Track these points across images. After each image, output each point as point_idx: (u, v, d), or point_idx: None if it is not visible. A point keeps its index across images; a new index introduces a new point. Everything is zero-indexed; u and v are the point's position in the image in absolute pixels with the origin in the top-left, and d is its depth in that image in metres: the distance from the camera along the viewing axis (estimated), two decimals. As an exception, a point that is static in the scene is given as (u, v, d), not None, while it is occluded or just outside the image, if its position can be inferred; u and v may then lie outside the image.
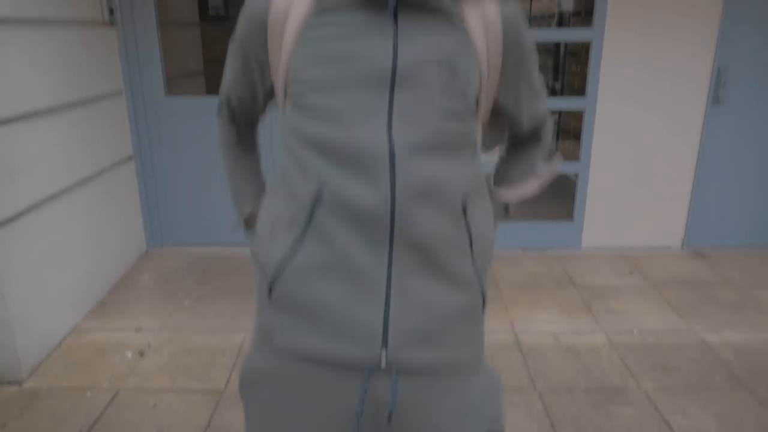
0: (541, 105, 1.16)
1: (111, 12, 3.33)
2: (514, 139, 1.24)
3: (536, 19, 5.20)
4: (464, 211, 0.98)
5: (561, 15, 4.70)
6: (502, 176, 1.23)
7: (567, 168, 3.81)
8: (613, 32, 3.52)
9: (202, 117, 3.67)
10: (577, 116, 4.03)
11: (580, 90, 4.05)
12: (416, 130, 0.91)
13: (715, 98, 3.63)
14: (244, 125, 1.20)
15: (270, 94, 1.09)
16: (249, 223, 1.20)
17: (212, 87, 4.37)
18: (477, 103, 0.98)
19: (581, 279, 3.48)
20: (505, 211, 1.20)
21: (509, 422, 2.23)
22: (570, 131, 4.46)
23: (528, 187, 1.19)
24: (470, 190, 1.00)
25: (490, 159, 1.28)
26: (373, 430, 1.02)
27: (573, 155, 3.87)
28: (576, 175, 3.82)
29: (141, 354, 2.72)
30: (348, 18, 0.90)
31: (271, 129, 3.51)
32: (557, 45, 4.73)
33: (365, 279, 0.95)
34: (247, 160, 1.22)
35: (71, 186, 2.97)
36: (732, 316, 3.06)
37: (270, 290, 1.02)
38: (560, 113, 4.84)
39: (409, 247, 0.95)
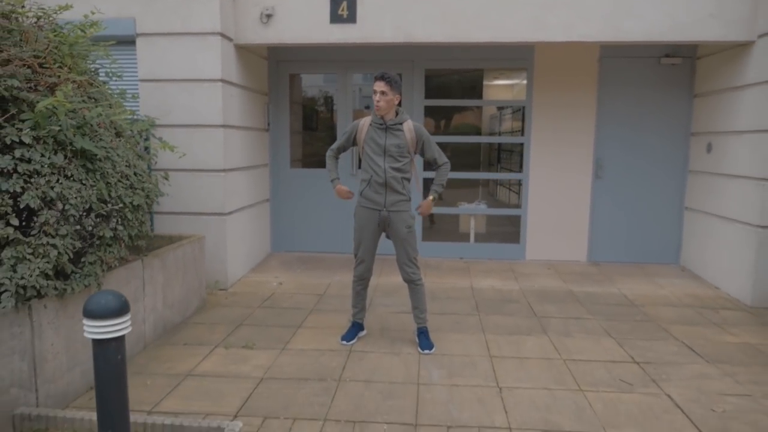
0: (436, 155, 3.93)
1: (269, 124, 6.47)
2: (432, 165, 4.01)
3: (509, 133, 8.16)
4: (403, 180, 3.81)
5: (522, 130, 7.59)
6: (434, 181, 3.97)
7: (515, 212, 6.54)
8: (536, 137, 6.40)
9: (306, 180, 6.67)
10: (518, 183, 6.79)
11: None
12: (391, 163, 3.77)
13: (597, 175, 6.38)
14: (337, 153, 4.03)
15: (348, 147, 3.99)
16: (334, 181, 4.01)
17: (306, 164, 7.31)
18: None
19: (518, 270, 6.09)
20: (438, 192, 3.96)
21: (468, 321, 4.84)
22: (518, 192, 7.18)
23: (438, 181, 3.95)
24: (406, 176, 3.84)
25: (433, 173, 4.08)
26: (382, 226, 3.86)
27: (515, 203, 6.62)
28: (520, 217, 6.54)
29: (280, 284, 5.48)
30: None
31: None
32: (520, 144, 7.57)
33: (380, 194, 3.79)
34: (335, 161, 4.05)
35: (246, 206, 5.90)
36: (594, 286, 5.58)
37: (360, 194, 3.86)
38: (519, 182, 7.61)
39: (390, 188, 3.77)
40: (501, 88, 8.64)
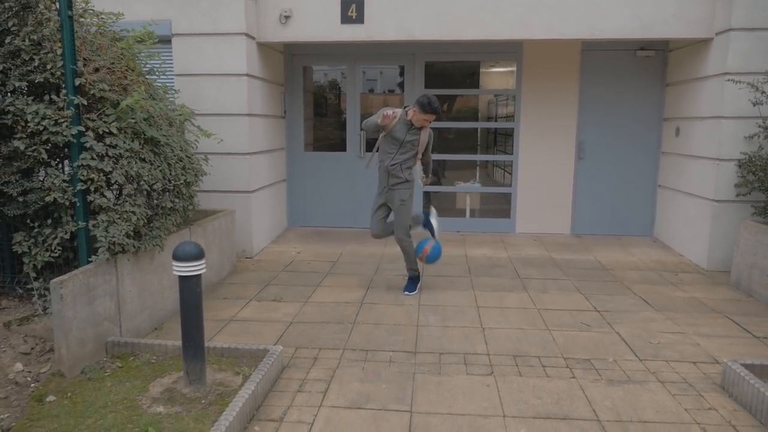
0: (429, 153, 4.82)
1: (285, 112, 7.22)
2: (422, 160, 4.86)
3: (504, 118, 8.89)
4: (403, 168, 4.65)
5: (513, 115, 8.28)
6: (423, 169, 4.91)
7: (506, 190, 7.30)
8: (525, 122, 7.14)
9: (317, 162, 7.44)
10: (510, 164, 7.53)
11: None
12: (401, 155, 4.62)
13: (579, 156, 7.12)
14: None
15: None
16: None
17: (318, 148, 8.08)
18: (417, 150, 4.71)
19: (508, 241, 6.88)
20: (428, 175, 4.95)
21: (461, 281, 5.64)
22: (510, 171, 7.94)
23: (426, 170, 4.92)
24: (408, 165, 4.67)
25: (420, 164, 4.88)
26: (383, 197, 4.76)
27: (509, 183, 7.38)
28: (510, 194, 7.30)
29: (298, 253, 6.28)
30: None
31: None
32: (511, 128, 8.30)
33: (384, 177, 4.68)
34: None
35: (267, 185, 6.68)
36: (573, 254, 6.36)
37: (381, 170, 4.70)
38: (511, 163, 8.36)
39: (392, 175, 4.64)
40: (498, 74, 9.29)
